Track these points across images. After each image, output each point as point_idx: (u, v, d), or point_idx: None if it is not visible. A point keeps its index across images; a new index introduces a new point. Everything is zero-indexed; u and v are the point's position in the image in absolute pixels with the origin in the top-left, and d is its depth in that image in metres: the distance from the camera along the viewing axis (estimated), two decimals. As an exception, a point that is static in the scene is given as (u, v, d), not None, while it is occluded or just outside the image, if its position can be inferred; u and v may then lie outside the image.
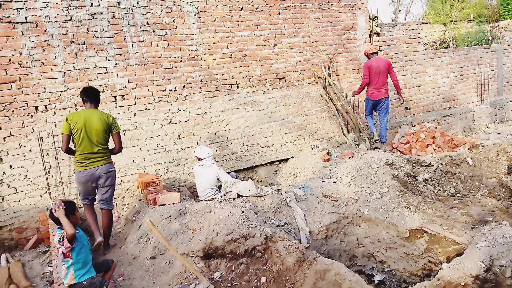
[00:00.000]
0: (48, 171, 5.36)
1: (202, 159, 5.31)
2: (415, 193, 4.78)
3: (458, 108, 9.45)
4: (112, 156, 4.42)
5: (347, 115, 7.37)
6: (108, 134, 4.30)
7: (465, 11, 23.09)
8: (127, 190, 5.85)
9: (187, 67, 6.09)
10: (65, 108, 5.36)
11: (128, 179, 5.86)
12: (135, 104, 5.79)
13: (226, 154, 6.59)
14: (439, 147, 7.06)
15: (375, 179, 4.90)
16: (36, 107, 5.21)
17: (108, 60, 5.54)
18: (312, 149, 6.97)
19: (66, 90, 5.34)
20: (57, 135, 5.36)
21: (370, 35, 7.82)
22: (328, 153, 6.35)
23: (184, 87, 6.10)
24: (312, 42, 7.15)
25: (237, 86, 6.55)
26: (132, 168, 5.89)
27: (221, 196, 4.26)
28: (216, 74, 6.34)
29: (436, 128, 8.21)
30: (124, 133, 5.74)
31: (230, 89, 6.49)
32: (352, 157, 6.10)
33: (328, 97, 7.28)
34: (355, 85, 7.74)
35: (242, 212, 3.92)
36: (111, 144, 4.41)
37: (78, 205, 4.39)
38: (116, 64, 5.59)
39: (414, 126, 8.39)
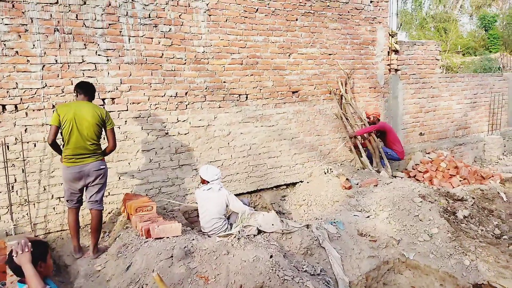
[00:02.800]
0: (12, 187, 4.28)
1: (208, 182, 4.36)
2: (466, 235, 3.98)
3: (470, 137, 8.90)
4: None
5: (368, 138, 6.59)
6: (101, 129, 3.95)
7: (452, 42, 23.36)
8: (109, 213, 4.82)
9: (191, 70, 5.19)
10: (40, 109, 4.34)
11: (111, 200, 4.82)
12: (127, 110, 4.82)
13: (228, 174, 5.65)
14: (464, 179, 6.36)
15: (420, 216, 4.08)
16: (3, 106, 4.18)
17: (99, 55, 4.58)
18: (325, 173, 6.13)
19: (44, 87, 4.33)
20: (27, 142, 4.31)
21: (388, 52, 7.17)
22: (347, 180, 5.52)
23: (186, 93, 5.19)
24: (330, 54, 6.41)
25: (246, 97, 5.69)
26: (118, 186, 4.87)
27: (238, 232, 3.32)
28: (224, 82, 5.47)
29: (453, 157, 7.56)
30: (112, 144, 4.74)
31: (238, 100, 5.62)
32: (376, 185, 5.29)
33: (345, 116, 6.51)
34: (371, 105, 7.03)
35: (271, 256, 3.00)
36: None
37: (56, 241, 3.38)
38: (108, 60, 4.64)
39: (429, 153, 7.73)
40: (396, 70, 7.30)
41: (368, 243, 3.83)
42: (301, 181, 6.31)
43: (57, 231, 4.55)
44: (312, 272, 3.17)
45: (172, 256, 3.17)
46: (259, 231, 3.51)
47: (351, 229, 3.91)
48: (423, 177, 6.68)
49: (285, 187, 6.29)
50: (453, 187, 6.13)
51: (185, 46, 5.11)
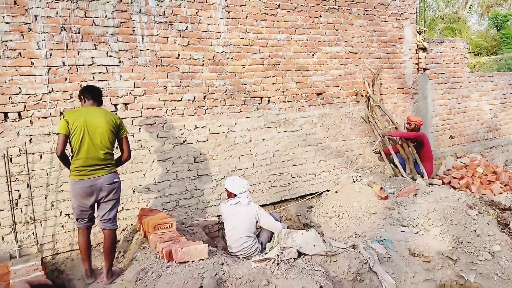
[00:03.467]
0: (16, 203, 3.85)
1: (235, 195, 3.90)
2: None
3: (501, 139, 8.35)
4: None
5: (401, 143, 6.09)
6: (115, 137, 3.55)
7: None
8: (123, 230, 4.36)
9: (209, 72, 4.76)
10: (46, 117, 3.92)
11: (125, 215, 4.38)
12: (141, 117, 4.38)
13: (250, 184, 5.16)
14: (505, 185, 5.84)
15: (478, 231, 3.59)
16: (6, 114, 3.76)
17: (110, 56, 4.17)
18: (354, 181, 5.64)
19: (50, 92, 3.91)
20: (33, 154, 3.89)
21: (416, 50, 6.70)
22: (382, 189, 5.03)
23: (204, 97, 4.75)
24: (355, 53, 5.95)
25: (268, 100, 5.24)
26: (132, 200, 4.42)
27: (277, 255, 2.84)
28: (245, 84, 5.02)
29: (487, 161, 7.04)
30: (125, 154, 4.30)
31: (260, 104, 5.17)
32: (415, 195, 4.79)
33: (375, 119, 6.03)
34: (399, 107, 6.55)
35: (320, 287, 2.52)
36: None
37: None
38: (120, 62, 4.22)
39: (460, 157, 7.22)
40: (425, 69, 6.82)
41: (422, 264, 3.34)
42: (328, 190, 5.82)
43: (67, 251, 4.11)
44: (367, 304, 2.69)
45: (201, 287, 2.69)
46: (299, 254, 3.03)
47: (401, 248, 3.41)
48: (459, 183, 6.17)
49: (311, 197, 5.80)
50: (495, 195, 5.61)
51: (203, 45, 4.68)
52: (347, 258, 3.05)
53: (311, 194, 5.76)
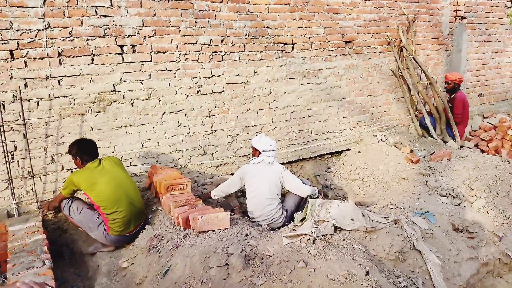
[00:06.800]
0: (12, 156, 3.42)
1: (260, 154, 3.51)
2: None
3: (530, 99, 7.82)
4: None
5: (437, 99, 5.55)
6: None
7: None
8: (131, 187, 3.98)
9: (229, 11, 4.12)
10: (42, 58, 3.36)
11: (133, 171, 3.98)
12: (151, 61, 3.82)
13: (268, 141, 4.74)
14: (539, 151, 5.43)
15: (529, 207, 3.22)
16: (-6, 53, 3.20)
17: (114, -13, 3.51)
18: (379, 141, 5.21)
19: (46, 28, 3.32)
20: (28, 100, 3.39)
21: (455, -4, 5.96)
22: (412, 151, 4.61)
23: (222, 41, 4.15)
24: (391, -5, 5.23)
25: (292, 47, 4.64)
26: (140, 155, 4.00)
27: (313, 231, 2.47)
28: (267, 27, 4.40)
29: (516, 122, 6.56)
30: (132, 104, 3.82)
31: (282, 51, 4.58)
32: (449, 159, 4.39)
33: (408, 72, 5.45)
34: (431, 60, 5.94)
35: (367, 273, 2.17)
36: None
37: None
38: (126, -6, 3.57)
39: (487, 117, 6.74)
40: (462, 18, 6.11)
41: (466, 240, 3.00)
42: (348, 150, 5.41)
43: (70, 208, 3.75)
44: (415, 291, 2.38)
45: (227, 264, 2.35)
46: (335, 228, 2.67)
47: (444, 223, 3.06)
48: (487, 146, 5.75)
49: (330, 156, 5.40)
50: (528, 161, 5.21)
51: (222, -22, 4.00)
52: (389, 234, 2.70)
53: (330, 153, 5.36)
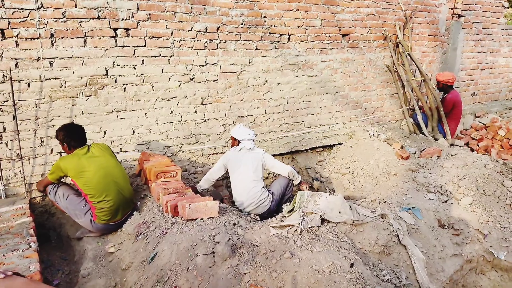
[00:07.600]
0: (0, 137, 3.38)
1: (239, 142, 3.57)
2: None
3: (521, 100, 7.90)
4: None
5: (430, 97, 5.57)
6: None
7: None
8: (121, 173, 3.96)
9: (225, -1, 4.07)
10: (34, 38, 3.30)
11: (124, 157, 3.95)
12: (144, 46, 3.78)
13: (260, 133, 4.75)
14: (528, 151, 5.50)
15: (514, 205, 3.26)
16: (-16, 31, 3.14)
17: (109, -32, 3.45)
18: (370, 136, 5.23)
19: (39, 8, 3.26)
20: (19, 81, 3.33)
21: (454, -6, 5.95)
22: (403, 147, 4.64)
23: (218, 29, 4.11)
24: (389, -10, 5.21)
25: (289, 38, 4.61)
26: (131, 141, 3.98)
27: (300, 222, 2.49)
28: (264, 17, 4.36)
29: (508, 122, 6.63)
30: (125, 89, 3.78)
31: (278, 41, 4.55)
32: (439, 156, 4.43)
33: (403, 68, 5.46)
34: (427, 57, 5.96)
35: (352, 265, 2.19)
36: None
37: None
38: (121, -23, 3.51)
39: (479, 117, 6.80)
40: (459, 16, 6.12)
41: (451, 237, 3.04)
42: (340, 144, 5.43)
43: (58, 192, 3.73)
44: (398, 284, 2.40)
45: (213, 253, 2.35)
46: (323, 220, 2.69)
47: (430, 219, 3.10)
48: (478, 145, 5.81)
49: (322, 149, 5.42)
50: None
51: (220, -35, 3.95)
52: (375, 228, 2.73)
53: (322, 146, 5.37)
